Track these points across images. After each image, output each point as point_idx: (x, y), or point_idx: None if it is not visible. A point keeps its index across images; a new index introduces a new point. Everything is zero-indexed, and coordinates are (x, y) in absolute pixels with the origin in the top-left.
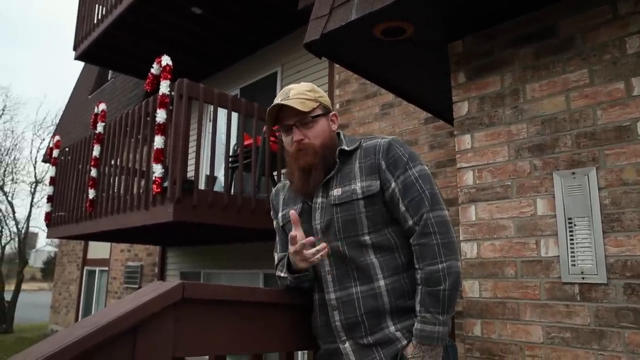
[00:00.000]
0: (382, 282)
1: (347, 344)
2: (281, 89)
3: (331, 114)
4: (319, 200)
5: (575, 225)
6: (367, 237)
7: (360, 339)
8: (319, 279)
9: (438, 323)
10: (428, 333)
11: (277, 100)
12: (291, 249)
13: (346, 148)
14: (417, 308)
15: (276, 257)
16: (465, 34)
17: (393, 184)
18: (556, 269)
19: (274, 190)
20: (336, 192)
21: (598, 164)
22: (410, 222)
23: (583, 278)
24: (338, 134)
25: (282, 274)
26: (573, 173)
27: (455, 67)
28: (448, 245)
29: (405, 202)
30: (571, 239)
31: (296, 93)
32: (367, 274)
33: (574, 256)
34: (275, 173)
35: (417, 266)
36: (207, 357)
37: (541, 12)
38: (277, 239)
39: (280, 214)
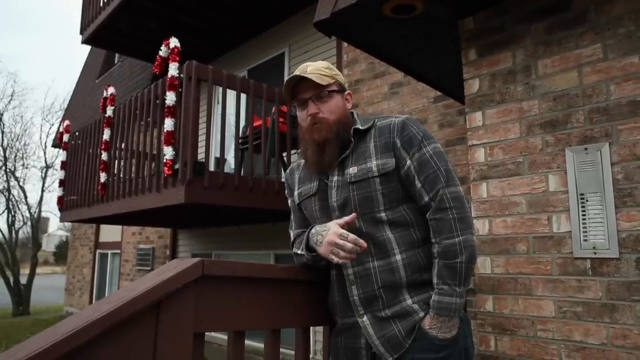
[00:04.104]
0: (398, 257)
1: (365, 318)
2: (289, 70)
3: (346, 92)
4: (335, 178)
5: (587, 200)
6: (383, 214)
7: (378, 312)
8: None
9: (455, 295)
10: (446, 304)
11: (294, 73)
12: (340, 241)
13: (360, 127)
14: (435, 280)
15: (292, 234)
16: (476, 10)
17: (408, 162)
18: (568, 245)
19: (288, 169)
20: (352, 170)
21: (611, 139)
22: (427, 198)
23: (595, 253)
24: (352, 113)
25: (300, 251)
26: (585, 149)
27: (466, 44)
28: (463, 219)
29: (420, 178)
30: (583, 215)
31: (314, 69)
32: (384, 249)
33: (585, 231)
34: (285, 154)
35: (433, 240)
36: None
37: None
38: (292, 216)
39: (296, 192)
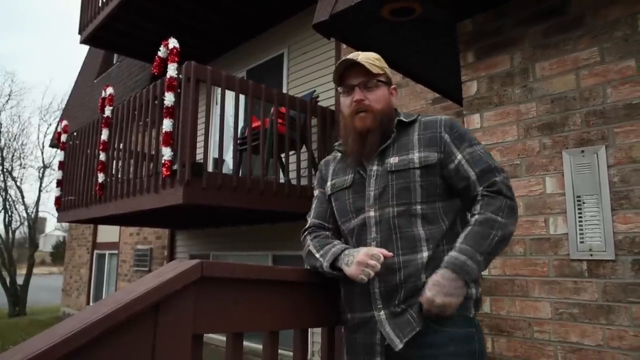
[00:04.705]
0: (425, 254)
1: (382, 312)
2: (288, 71)
3: (392, 86)
4: (374, 168)
5: (584, 203)
6: (418, 207)
7: (394, 307)
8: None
9: (474, 260)
10: (460, 262)
11: (346, 58)
12: (372, 262)
13: (404, 119)
14: (459, 241)
15: (308, 221)
16: (474, 13)
17: (459, 156)
18: (564, 247)
19: (324, 160)
20: (393, 160)
21: (607, 142)
22: (480, 188)
23: (591, 255)
24: (395, 109)
25: (318, 256)
26: (582, 151)
27: (464, 47)
28: (512, 208)
29: (476, 170)
30: (580, 217)
31: (365, 57)
32: (412, 244)
33: (582, 233)
34: (283, 155)
35: (477, 212)
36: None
37: None
38: (315, 205)
39: (329, 183)
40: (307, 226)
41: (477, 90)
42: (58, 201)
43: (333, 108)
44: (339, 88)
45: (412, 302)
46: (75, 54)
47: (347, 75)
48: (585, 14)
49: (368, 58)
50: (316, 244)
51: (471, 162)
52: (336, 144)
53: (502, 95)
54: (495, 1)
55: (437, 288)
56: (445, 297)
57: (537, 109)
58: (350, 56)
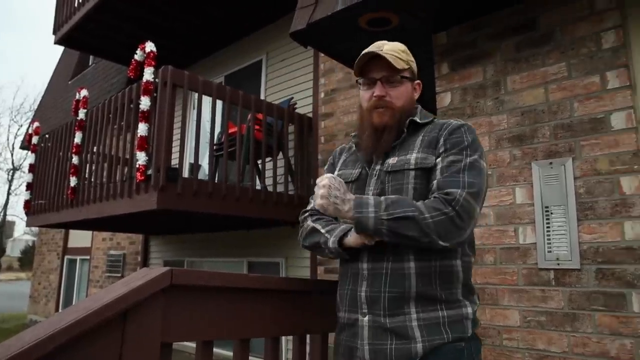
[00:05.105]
0: (412, 264)
1: (366, 318)
2: (266, 77)
3: (416, 82)
4: (377, 167)
5: (552, 213)
6: None
7: (379, 317)
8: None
9: (377, 212)
10: (364, 202)
11: (370, 49)
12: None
13: (418, 120)
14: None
15: (311, 203)
16: (450, 26)
17: (439, 160)
18: (533, 256)
19: (339, 147)
20: (392, 160)
21: (574, 154)
22: (436, 193)
23: (558, 264)
24: (416, 107)
25: (324, 231)
26: (550, 163)
27: (439, 58)
28: (452, 221)
29: (441, 177)
30: (548, 227)
31: (390, 49)
32: (400, 251)
33: (550, 243)
34: (259, 161)
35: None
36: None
37: (523, 5)
38: None
39: (336, 172)
40: (309, 208)
41: (451, 101)
42: (28, 205)
43: (310, 115)
44: (358, 80)
45: (397, 329)
46: (51, 52)
47: (369, 67)
48: (554, 30)
49: (394, 50)
50: (322, 222)
51: (445, 169)
52: (352, 134)
53: (474, 106)
54: (470, 15)
55: (334, 191)
56: (328, 202)
57: (508, 120)
58: (374, 47)
